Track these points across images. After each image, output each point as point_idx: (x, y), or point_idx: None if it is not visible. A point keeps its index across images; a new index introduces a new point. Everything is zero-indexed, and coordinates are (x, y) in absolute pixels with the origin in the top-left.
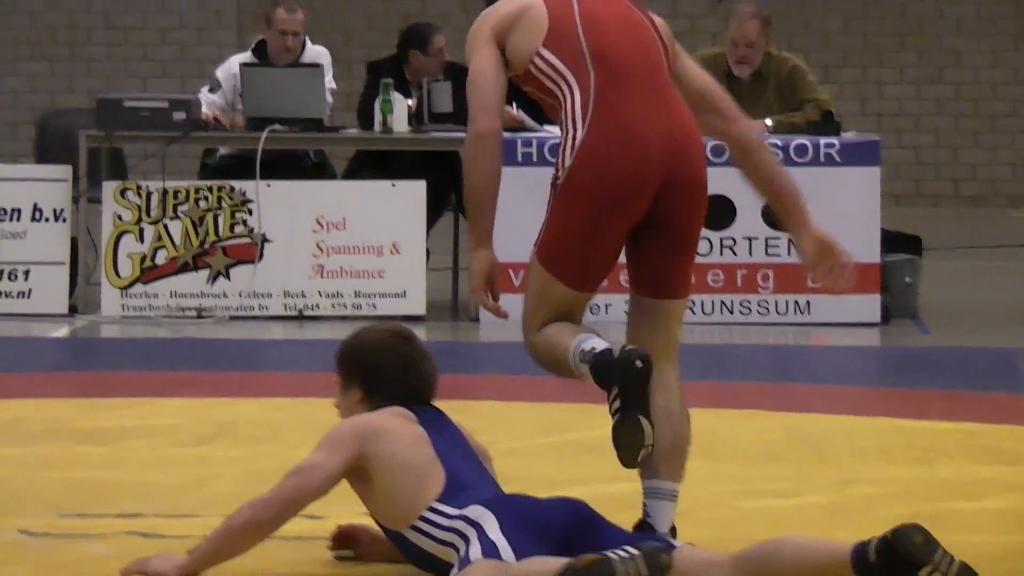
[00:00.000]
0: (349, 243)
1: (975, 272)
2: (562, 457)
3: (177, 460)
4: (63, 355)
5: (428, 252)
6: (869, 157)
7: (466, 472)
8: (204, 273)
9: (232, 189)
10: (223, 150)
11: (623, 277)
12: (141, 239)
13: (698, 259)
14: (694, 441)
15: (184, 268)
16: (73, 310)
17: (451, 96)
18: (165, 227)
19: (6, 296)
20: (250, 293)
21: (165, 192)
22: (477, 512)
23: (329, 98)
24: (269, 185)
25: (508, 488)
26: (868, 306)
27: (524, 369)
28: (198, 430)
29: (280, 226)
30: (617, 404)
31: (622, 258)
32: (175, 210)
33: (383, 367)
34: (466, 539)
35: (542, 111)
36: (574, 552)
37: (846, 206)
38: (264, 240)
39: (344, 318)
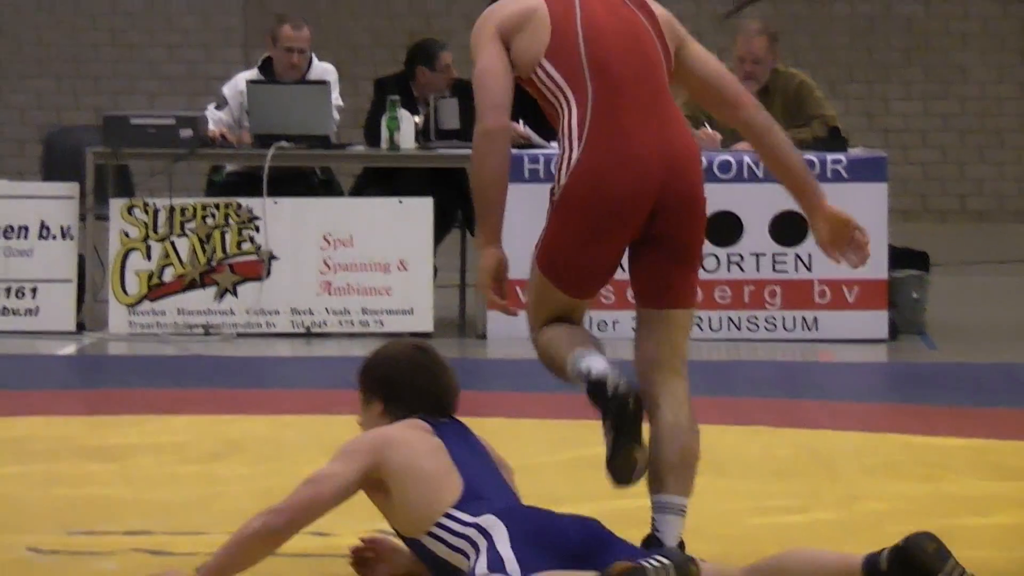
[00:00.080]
0: (356, 260)
1: (982, 288)
2: (570, 474)
3: (185, 477)
4: (71, 372)
5: (435, 269)
6: (876, 173)
7: (483, 482)
8: (211, 290)
9: (239, 206)
10: (230, 167)
11: (631, 294)
12: (148, 256)
13: (705, 275)
14: (703, 457)
15: (191, 285)
16: (81, 327)
17: (458, 113)
18: (172, 244)
19: (14, 313)
20: (257, 310)
21: (172, 209)
22: (489, 521)
23: (336, 115)
24: (276, 202)
25: None
26: (875, 322)
27: (532, 386)
28: (206, 447)
29: (287, 243)
30: (611, 434)
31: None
32: (182, 227)
33: (402, 380)
34: (477, 548)
35: (549, 127)
36: (585, 568)
37: None
38: (271, 257)
39: (351, 335)
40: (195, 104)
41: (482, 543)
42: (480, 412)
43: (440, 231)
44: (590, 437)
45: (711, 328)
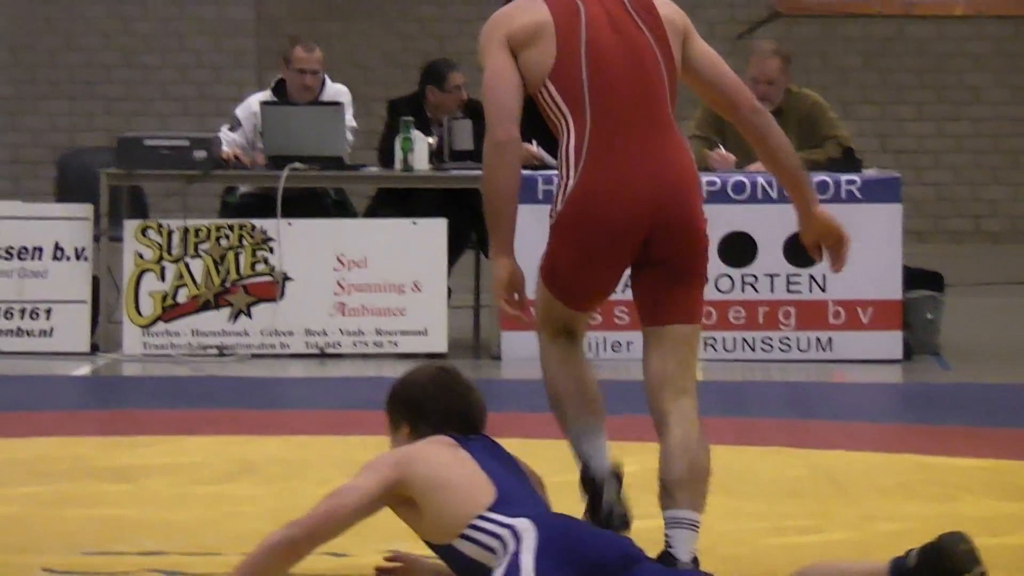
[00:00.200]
0: (370, 281)
1: (997, 309)
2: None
3: (199, 498)
4: (85, 393)
5: (449, 290)
6: (890, 194)
7: (515, 489)
8: (225, 311)
9: (253, 227)
10: (244, 189)
11: None
12: (162, 277)
13: (719, 296)
14: (716, 478)
15: (205, 306)
16: (95, 348)
17: (472, 134)
18: (186, 265)
19: (28, 334)
20: (271, 331)
21: (186, 230)
22: (523, 525)
23: (349, 136)
24: (290, 223)
25: None
26: (890, 343)
27: (545, 407)
28: (220, 468)
29: (301, 264)
30: (588, 513)
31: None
32: (196, 248)
33: (427, 401)
34: (505, 550)
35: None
36: None
37: (868, 243)
38: (285, 278)
39: (365, 356)
40: (207, 126)
41: (510, 546)
42: (495, 432)
43: (454, 252)
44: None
45: (725, 349)
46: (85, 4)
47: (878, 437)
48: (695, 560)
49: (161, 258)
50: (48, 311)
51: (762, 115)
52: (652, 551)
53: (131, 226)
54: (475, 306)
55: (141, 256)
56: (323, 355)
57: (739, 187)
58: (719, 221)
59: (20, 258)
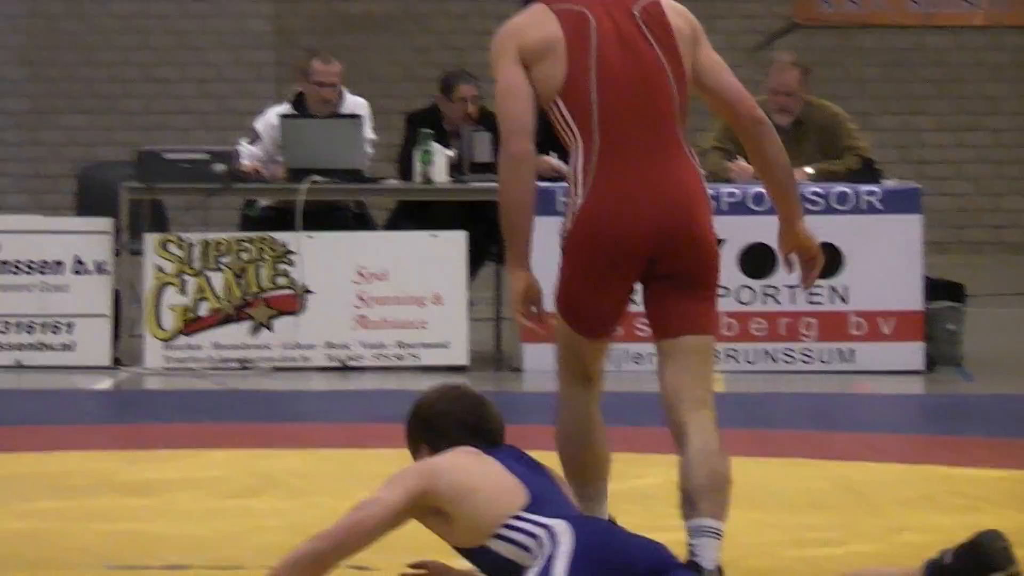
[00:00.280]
0: (391, 294)
1: (1018, 319)
2: (611, 506)
3: (222, 512)
4: (107, 407)
5: (470, 302)
6: (910, 205)
7: (547, 491)
8: (247, 325)
9: (273, 241)
10: (263, 202)
11: None
12: (183, 291)
13: (740, 308)
14: (739, 490)
15: (227, 320)
16: (116, 362)
17: (491, 146)
18: (207, 279)
19: (50, 349)
20: (293, 344)
21: (207, 244)
22: (560, 527)
23: (369, 149)
24: (310, 236)
25: None
26: (912, 354)
27: None
28: (243, 482)
29: (322, 277)
30: None
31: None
32: (217, 262)
33: (438, 418)
34: (542, 550)
35: None
36: None
37: (888, 254)
38: (306, 291)
39: (386, 369)
40: (227, 139)
41: (546, 547)
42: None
43: (474, 264)
44: (627, 470)
45: (747, 361)
46: (104, 19)
47: (900, 448)
48: (719, 569)
49: (182, 272)
50: (69, 325)
51: (762, 125)
52: None
53: (151, 240)
54: (496, 318)
55: (162, 270)
56: (344, 368)
57: (759, 198)
58: (739, 232)
59: (41, 272)
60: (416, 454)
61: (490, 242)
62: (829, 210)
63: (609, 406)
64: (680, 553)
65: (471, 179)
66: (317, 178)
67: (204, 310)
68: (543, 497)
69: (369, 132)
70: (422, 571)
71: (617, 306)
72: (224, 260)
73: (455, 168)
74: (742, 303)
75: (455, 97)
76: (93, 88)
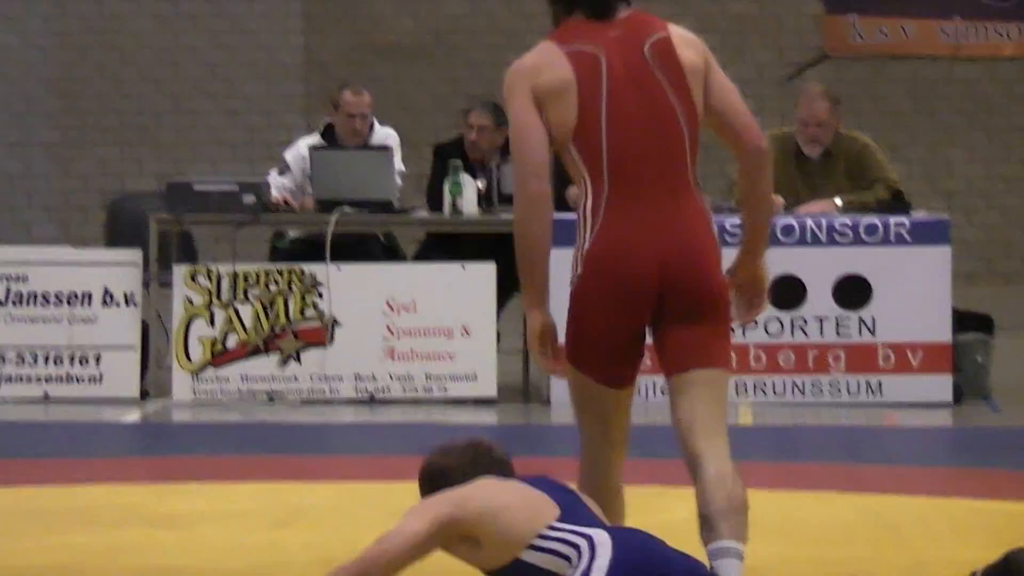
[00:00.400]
0: (419, 325)
1: None
2: None
3: (250, 546)
4: (135, 440)
5: (498, 334)
6: (939, 236)
7: (577, 503)
8: (275, 357)
9: (302, 272)
10: (293, 233)
11: None
12: (212, 323)
13: (768, 340)
14: (766, 522)
15: (255, 352)
16: (144, 394)
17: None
18: (236, 311)
19: (78, 381)
20: (321, 376)
21: (235, 276)
22: (601, 538)
23: (398, 180)
24: (339, 268)
25: None
26: (940, 386)
27: None
28: (271, 515)
29: (350, 309)
30: None
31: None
32: (245, 294)
33: (446, 463)
34: (581, 558)
35: None
36: None
37: (917, 285)
38: (334, 323)
39: (415, 401)
40: (258, 170)
41: (585, 556)
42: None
43: (503, 296)
44: (654, 503)
45: (775, 392)
46: (136, 50)
47: (928, 481)
48: None
49: (210, 303)
50: (98, 357)
51: (764, 157)
52: None
53: (180, 271)
54: (524, 350)
55: (191, 301)
56: (372, 400)
57: (788, 230)
58: (768, 264)
59: (69, 304)
60: None
61: (516, 274)
62: (858, 241)
63: (635, 438)
64: None
65: (500, 210)
66: (346, 209)
67: (232, 342)
68: (574, 509)
69: (399, 163)
70: None
71: (628, 349)
72: (253, 292)
73: (483, 199)
74: (770, 335)
75: (466, 123)
76: (124, 119)
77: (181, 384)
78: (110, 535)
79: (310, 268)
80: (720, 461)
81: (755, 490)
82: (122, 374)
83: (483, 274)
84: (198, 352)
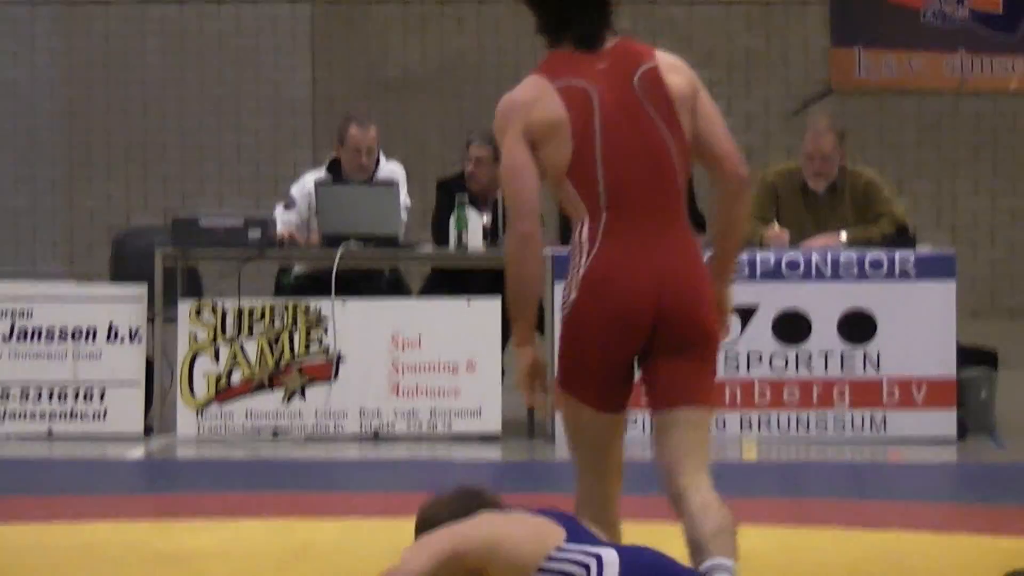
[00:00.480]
0: (425, 361)
1: None
2: None
3: None
4: (139, 476)
5: (503, 370)
6: (944, 271)
7: (580, 526)
8: (280, 392)
9: (308, 307)
10: (298, 268)
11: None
12: (216, 358)
13: (773, 375)
14: (772, 559)
15: (260, 387)
16: (148, 430)
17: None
18: (241, 346)
19: (81, 417)
20: (326, 412)
21: (240, 311)
22: (610, 556)
23: (404, 215)
24: (345, 303)
25: None
26: (944, 421)
27: None
28: (276, 552)
29: (356, 344)
30: None
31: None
32: (251, 329)
33: (437, 507)
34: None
35: None
36: None
37: (921, 320)
38: (339, 359)
39: (419, 438)
40: (264, 205)
41: (593, 573)
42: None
43: (508, 331)
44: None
45: (779, 428)
46: (141, 84)
47: (934, 517)
48: None
49: (215, 339)
50: (102, 393)
51: (744, 185)
52: None
53: (185, 306)
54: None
55: (195, 337)
56: (377, 437)
57: (793, 264)
58: (773, 299)
59: (74, 339)
60: None
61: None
62: (863, 276)
63: (633, 474)
64: None
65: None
66: (352, 244)
67: (237, 378)
68: (579, 531)
69: (404, 198)
70: None
71: (621, 372)
72: (258, 327)
73: (489, 234)
74: (774, 370)
75: (466, 156)
76: (129, 154)
77: (185, 420)
78: (115, 572)
79: (315, 303)
80: (704, 492)
81: (760, 526)
82: (126, 410)
83: (489, 309)
84: (203, 388)
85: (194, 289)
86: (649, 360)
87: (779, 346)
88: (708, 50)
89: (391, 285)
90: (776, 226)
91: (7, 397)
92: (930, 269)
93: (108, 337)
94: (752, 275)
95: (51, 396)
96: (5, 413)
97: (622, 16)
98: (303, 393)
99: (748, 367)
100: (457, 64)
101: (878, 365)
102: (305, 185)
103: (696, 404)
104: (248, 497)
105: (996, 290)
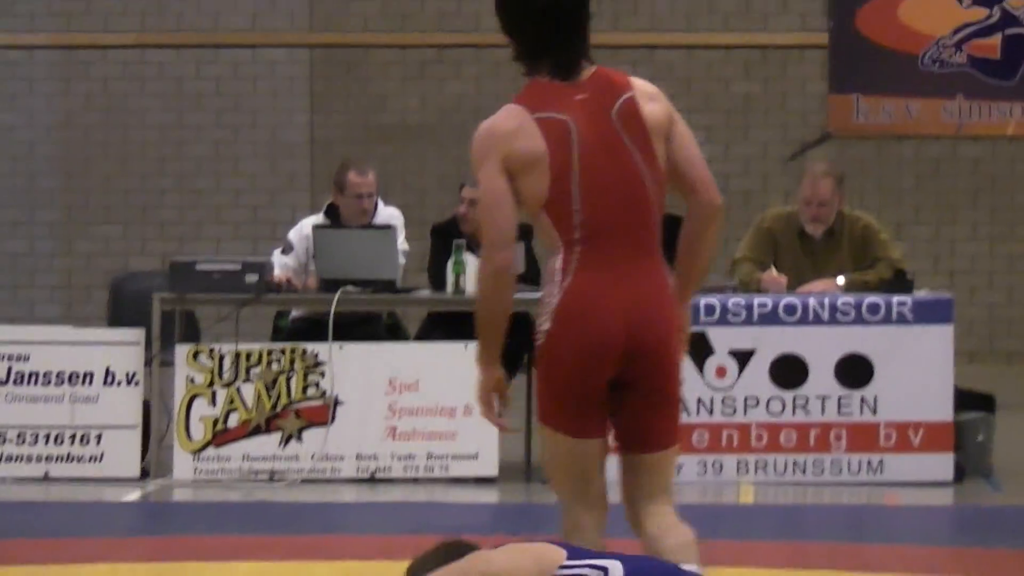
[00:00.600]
0: (422, 405)
1: None
2: None
3: None
4: (135, 519)
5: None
6: (942, 315)
7: (584, 549)
8: (276, 436)
9: (305, 351)
10: (295, 312)
11: (696, 437)
12: (213, 402)
13: (770, 419)
14: None
15: (256, 431)
16: (145, 474)
17: (524, 257)
18: (238, 390)
19: (78, 460)
20: (322, 456)
21: (238, 355)
22: (613, 565)
23: (402, 259)
24: (342, 347)
25: None
26: (941, 465)
27: None
28: None
29: (353, 388)
30: None
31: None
32: (248, 373)
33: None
34: None
35: None
36: None
37: (919, 364)
38: (336, 402)
39: (416, 480)
40: (260, 249)
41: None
42: None
43: (506, 375)
44: None
45: (776, 471)
46: (140, 129)
47: (930, 560)
48: None
49: (212, 383)
50: (99, 436)
51: (717, 212)
52: None
53: (183, 350)
54: (527, 429)
55: (192, 380)
56: (373, 479)
57: (790, 309)
58: (770, 343)
59: (71, 383)
60: None
61: (521, 352)
62: (860, 320)
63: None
64: None
65: None
66: (349, 288)
67: (234, 421)
68: (579, 550)
69: (402, 242)
70: None
71: (597, 398)
72: (255, 371)
73: None
74: (772, 414)
75: (460, 198)
76: (127, 198)
77: (182, 463)
78: None
79: (312, 347)
80: (664, 516)
81: (757, 570)
82: (123, 453)
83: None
84: (199, 431)
85: (191, 333)
86: (618, 395)
87: (776, 390)
88: (706, 95)
89: (388, 329)
90: (774, 271)
91: (4, 440)
92: (928, 313)
93: (105, 381)
94: (750, 319)
95: (48, 439)
96: (2, 456)
97: (621, 60)
98: (300, 436)
99: (745, 411)
100: (455, 110)
101: (875, 409)
102: (302, 229)
103: (661, 449)
104: (245, 540)
105: (994, 334)
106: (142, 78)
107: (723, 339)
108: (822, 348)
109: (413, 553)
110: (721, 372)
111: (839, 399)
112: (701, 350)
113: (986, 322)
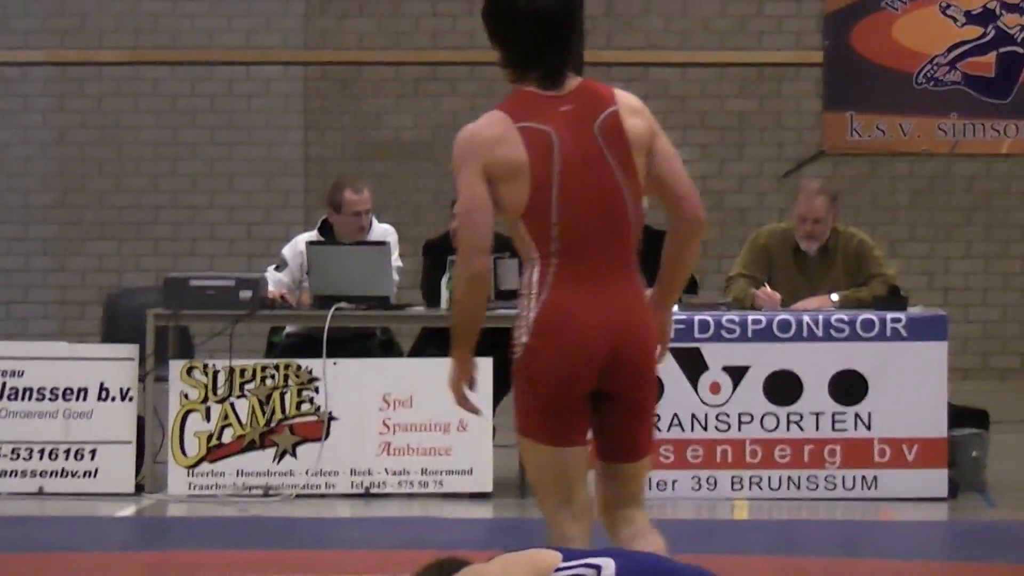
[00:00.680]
0: (416, 420)
1: None
2: None
3: None
4: (129, 535)
5: (494, 429)
6: (936, 332)
7: (579, 551)
8: (271, 451)
9: (299, 367)
10: (289, 329)
11: (691, 453)
12: (207, 418)
13: (765, 435)
14: None
15: (250, 446)
16: (139, 489)
17: (518, 273)
18: (232, 406)
19: (72, 475)
20: (317, 471)
21: (232, 371)
22: (605, 562)
23: (396, 276)
24: (336, 363)
25: None
26: (935, 481)
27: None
28: None
29: (347, 404)
30: None
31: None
32: (242, 389)
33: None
34: None
35: None
36: None
37: (913, 381)
38: (330, 418)
39: (411, 495)
40: (255, 266)
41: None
42: None
43: (499, 390)
44: None
45: (771, 487)
46: (134, 146)
47: None
48: None
49: (206, 398)
50: (93, 452)
51: (699, 225)
52: None
53: (177, 366)
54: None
55: (186, 396)
56: (368, 495)
57: (784, 325)
58: (764, 359)
59: (65, 399)
60: None
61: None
62: (854, 337)
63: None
64: None
65: (498, 306)
66: (343, 305)
67: (228, 436)
68: (573, 551)
69: (396, 259)
70: None
71: (574, 406)
72: (249, 387)
73: None
74: (766, 430)
75: (452, 214)
76: (122, 215)
77: (176, 479)
78: None
79: (306, 363)
80: (638, 522)
81: None
82: (117, 469)
83: (479, 369)
84: (194, 447)
85: (185, 349)
86: (599, 406)
87: (771, 406)
88: (701, 113)
89: (382, 346)
90: (767, 288)
91: None
92: (922, 330)
93: (99, 396)
94: (744, 336)
95: (42, 455)
96: None
97: (616, 78)
98: (294, 452)
99: (739, 427)
100: (450, 127)
101: (869, 425)
102: (296, 246)
103: (640, 458)
104: (239, 555)
105: (988, 351)
106: (137, 95)
107: (717, 355)
108: (816, 364)
109: (407, 569)
110: (715, 388)
111: (833, 415)
112: (695, 366)
113: (980, 339)
